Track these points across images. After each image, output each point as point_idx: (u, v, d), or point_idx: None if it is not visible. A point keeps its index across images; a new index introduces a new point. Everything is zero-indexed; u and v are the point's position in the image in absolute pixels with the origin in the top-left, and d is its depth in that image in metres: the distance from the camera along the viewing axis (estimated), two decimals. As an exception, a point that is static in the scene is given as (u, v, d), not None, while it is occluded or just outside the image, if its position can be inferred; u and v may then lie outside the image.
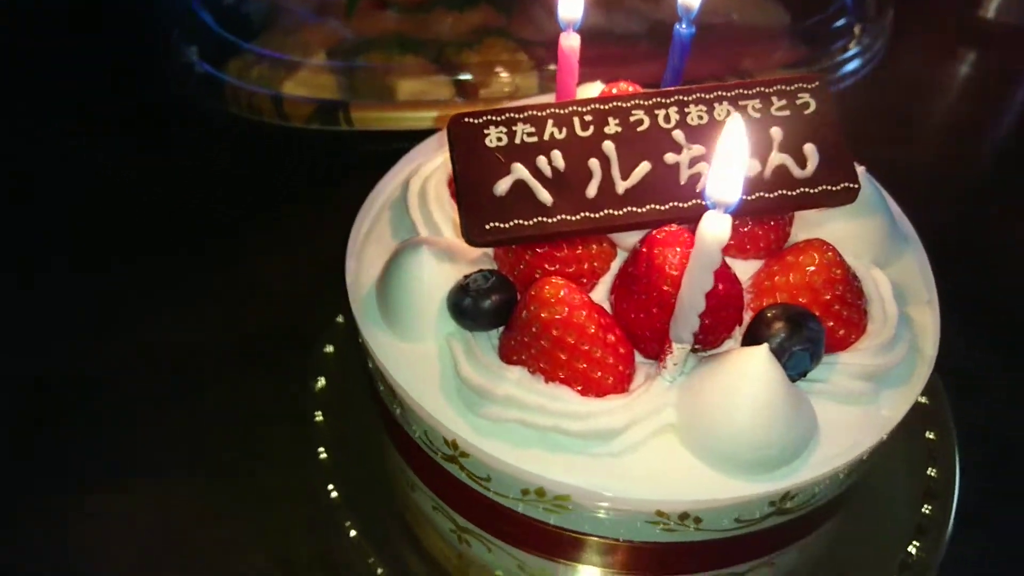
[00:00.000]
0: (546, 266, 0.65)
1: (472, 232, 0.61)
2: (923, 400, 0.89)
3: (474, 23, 1.29)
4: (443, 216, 0.71)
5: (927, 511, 0.81)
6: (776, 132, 0.65)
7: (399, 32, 1.28)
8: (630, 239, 0.66)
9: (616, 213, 0.62)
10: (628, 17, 1.31)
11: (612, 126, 0.65)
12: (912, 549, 0.79)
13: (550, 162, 0.63)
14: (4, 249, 1.08)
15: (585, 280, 0.66)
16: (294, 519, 0.83)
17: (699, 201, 0.63)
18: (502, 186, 0.62)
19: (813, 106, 0.66)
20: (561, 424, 0.58)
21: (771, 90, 0.67)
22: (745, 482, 0.58)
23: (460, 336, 0.64)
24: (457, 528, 0.73)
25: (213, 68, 1.22)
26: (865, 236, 0.70)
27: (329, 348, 0.94)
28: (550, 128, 0.65)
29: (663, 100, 0.66)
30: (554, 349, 0.58)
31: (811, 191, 0.64)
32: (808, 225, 0.70)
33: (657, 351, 0.61)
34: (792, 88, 0.67)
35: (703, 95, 0.66)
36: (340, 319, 0.95)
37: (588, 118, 0.65)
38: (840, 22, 1.29)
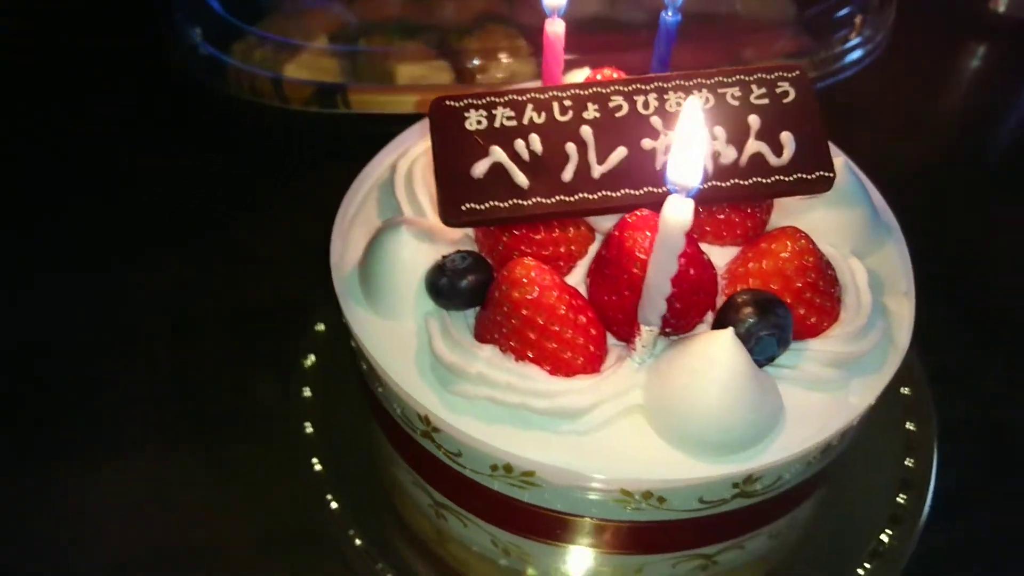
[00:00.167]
0: (523, 248, 0.65)
1: (448, 212, 0.63)
2: (905, 391, 0.90)
3: (476, 9, 1.30)
4: (428, 198, 0.72)
5: (902, 500, 0.82)
6: (754, 120, 0.65)
7: (402, 18, 1.29)
8: (607, 223, 0.66)
9: (591, 197, 0.63)
10: (631, 5, 1.31)
11: (591, 111, 0.66)
12: (884, 537, 0.80)
13: (528, 146, 0.64)
14: (4, 249, 1.08)
15: (562, 263, 0.67)
16: (280, 493, 0.85)
17: (673, 186, 0.63)
18: (479, 168, 0.63)
19: (792, 95, 0.67)
20: (528, 402, 0.59)
21: (751, 78, 0.67)
22: (708, 463, 0.58)
23: (437, 315, 0.65)
24: (434, 504, 0.75)
25: (217, 50, 1.24)
26: (845, 225, 0.70)
27: (320, 326, 0.96)
28: (529, 112, 0.66)
29: (643, 87, 0.67)
30: (524, 328, 0.59)
31: (786, 179, 0.64)
32: (789, 213, 0.71)
33: (629, 333, 0.62)
34: (772, 76, 0.67)
35: (682, 82, 0.67)
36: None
37: (568, 103, 0.66)
38: (842, 12, 1.28)
